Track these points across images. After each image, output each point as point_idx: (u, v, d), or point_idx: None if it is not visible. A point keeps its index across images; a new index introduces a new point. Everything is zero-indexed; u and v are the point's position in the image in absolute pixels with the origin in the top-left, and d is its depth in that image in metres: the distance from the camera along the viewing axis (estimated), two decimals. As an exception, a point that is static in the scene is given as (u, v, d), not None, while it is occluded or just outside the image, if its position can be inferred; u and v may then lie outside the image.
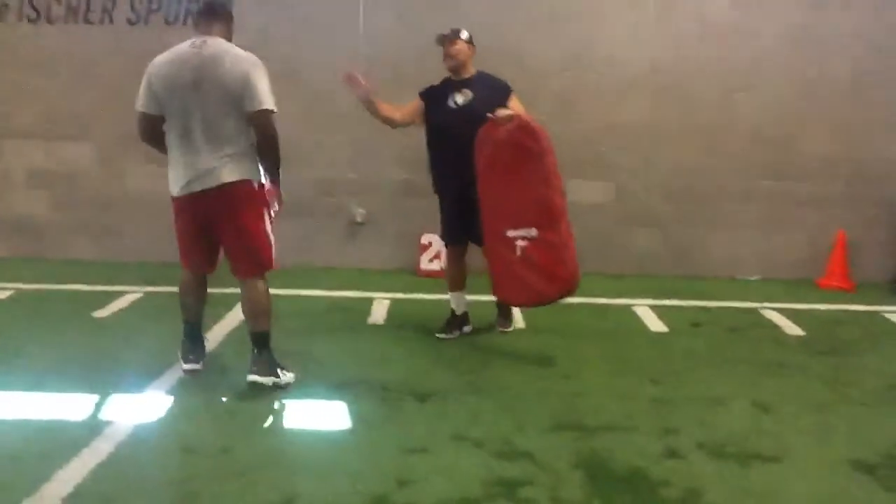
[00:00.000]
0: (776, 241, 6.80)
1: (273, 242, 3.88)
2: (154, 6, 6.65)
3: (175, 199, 3.83)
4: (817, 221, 6.72)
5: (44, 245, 6.92)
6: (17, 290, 5.72)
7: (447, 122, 4.60)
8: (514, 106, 4.56)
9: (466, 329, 4.91)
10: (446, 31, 4.65)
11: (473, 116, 4.45)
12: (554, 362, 4.36)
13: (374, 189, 6.83)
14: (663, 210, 6.83)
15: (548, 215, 4.35)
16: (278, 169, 3.83)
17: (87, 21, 6.69)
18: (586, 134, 6.66)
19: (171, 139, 3.76)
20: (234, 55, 3.68)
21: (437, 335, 4.83)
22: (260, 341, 3.87)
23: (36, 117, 6.80)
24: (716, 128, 6.72)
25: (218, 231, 3.81)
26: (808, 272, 6.66)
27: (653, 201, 6.82)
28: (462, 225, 4.71)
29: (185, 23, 6.55)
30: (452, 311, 4.91)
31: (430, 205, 4.92)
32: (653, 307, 5.61)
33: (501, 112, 4.39)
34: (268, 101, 3.66)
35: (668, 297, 5.94)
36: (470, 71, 4.68)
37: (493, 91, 4.61)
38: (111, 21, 6.69)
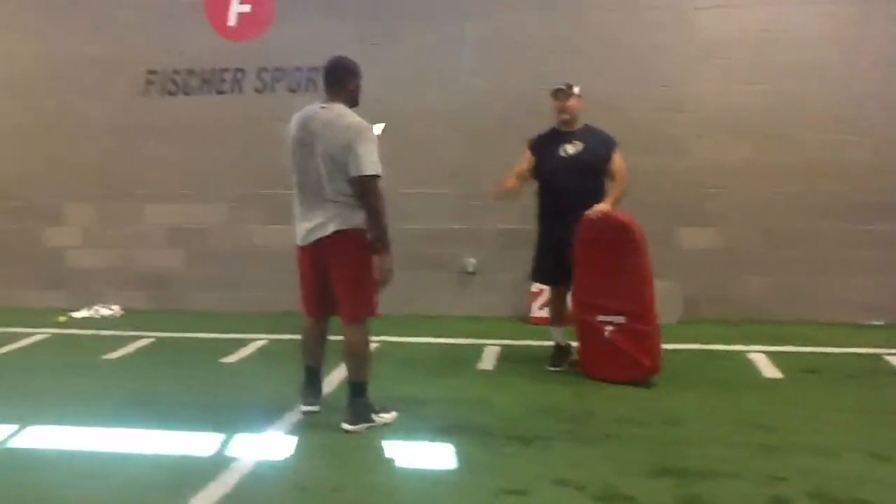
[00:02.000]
0: (899, 285, 6.48)
1: (377, 290, 3.98)
2: (278, 76, 7.19)
3: (298, 249, 4.09)
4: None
5: (180, 297, 7.47)
6: (157, 338, 6.24)
7: (557, 169, 4.88)
8: (617, 161, 4.88)
9: (571, 359, 5.17)
10: (562, 86, 4.93)
11: (582, 165, 4.83)
12: (661, 409, 4.31)
13: (484, 239, 7.02)
14: (775, 254, 6.66)
15: (638, 306, 4.67)
16: (383, 237, 3.86)
17: (219, 92, 7.30)
18: (690, 179, 6.63)
19: (295, 191, 4.02)
20: (344, 123, 3.81)
21: (549, 368, 5.11)
22: (354, 390, 4.03)
23: (173, 182, 7.41)
24: (822, 169, 6.54)
25: (330, 277, 3.98)
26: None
27: (763, 246, 6.67)
28: (556, 268, 4.97)
29: (306, 90, 7.05)
30: (557, 344, 5.18)
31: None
32: (767, 353, 5.46)
33: (596, 209, 4.70)
34: (368, 167, 3.76)
35: (784, 344, 5.76)
36: (579, 123, 4.96)
37: (601, 143, 4.92)
38: (240, 90, 7.27)
